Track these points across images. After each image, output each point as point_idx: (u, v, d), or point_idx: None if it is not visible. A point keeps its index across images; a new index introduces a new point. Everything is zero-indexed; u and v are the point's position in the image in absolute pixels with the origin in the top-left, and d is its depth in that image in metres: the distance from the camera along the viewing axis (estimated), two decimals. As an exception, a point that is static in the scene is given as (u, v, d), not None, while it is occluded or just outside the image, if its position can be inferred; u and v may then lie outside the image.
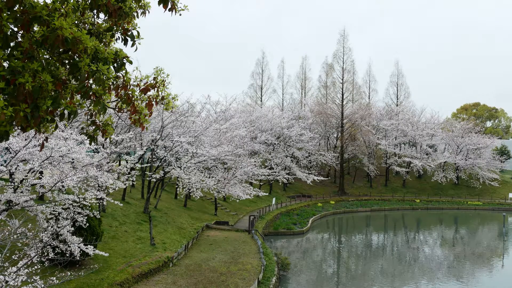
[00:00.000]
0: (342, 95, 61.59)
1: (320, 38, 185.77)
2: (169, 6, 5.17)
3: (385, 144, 63.92)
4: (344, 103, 61.61)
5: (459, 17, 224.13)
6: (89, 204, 17.04)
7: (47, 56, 4.65)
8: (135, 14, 5.17)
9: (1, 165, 14.72)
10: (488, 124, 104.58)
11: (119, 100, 5.34)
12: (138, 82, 5.44)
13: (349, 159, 65.86)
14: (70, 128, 19.78)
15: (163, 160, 31.06)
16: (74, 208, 16.01)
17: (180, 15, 5.42)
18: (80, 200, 15.86)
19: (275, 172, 49.14)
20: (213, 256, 23.61)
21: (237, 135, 39.33)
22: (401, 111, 69.00)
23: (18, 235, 11.78)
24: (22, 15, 4.26)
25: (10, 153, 15.15)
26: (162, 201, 34.64)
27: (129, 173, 25.48)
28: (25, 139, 14.93)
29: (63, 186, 15.61)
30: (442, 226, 46.91)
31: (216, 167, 36.23)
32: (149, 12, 5.34)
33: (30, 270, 10.76)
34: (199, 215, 35.61)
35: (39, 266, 12.15)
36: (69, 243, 15.09)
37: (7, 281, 9.37)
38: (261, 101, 72.37)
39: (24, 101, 4.27)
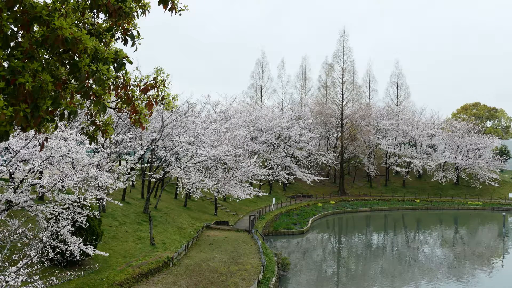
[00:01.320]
0: (342, 95, 61.60)
1: (320, 38, 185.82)
2: (169, 6, 5.17)
3: (385, 144, 63.93)
4: (344, 103, 61.62)
5: (459, 17, 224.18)
6: (89, 204, 17.04)
7: (47, 56, 4.65)
8: (135, 14, 5.18)
9: (1, 165, 14.72)
10: (488, 124, 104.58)
11: (119, 100, 5.34)
12: (138, 82, 5.44)
13: (349, 159, 65.86)
14: (70, 128, 19.78)
15: (163, 160, 31.05)
16: (74, 208, 16.01)
17: (180, 15, 5.42)
18: (80, 200, 15.86)
19: (275, 172, 49.15)
20: (213, 256, 23.61)
21: (237, 135, 39.33)
22: (401, 111, 69.02)
23: (18, 235, 11.78)
24: (22, 15, 4.26)
25: (10, 153, 15.15)
26: (162, 201, 34.64)
27: (129, 173, 25.47)
28: (25, 139, 14.93)
29: (63, 186, 15.61)
30: (442, 226, 46.91)
31: (216, 167, 36.23)
32: (149, 12, 5.34)
33: (30, 270, 10.76)
34: (199, 215, 35.61)
35: (39, 266, 12.15)
36: (69, 243, 15.09)
37: (7, 281, 9.37)
38: (261, 101, 72.36)
39: (24, 101, 4.27)
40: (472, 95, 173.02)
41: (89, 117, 5.39)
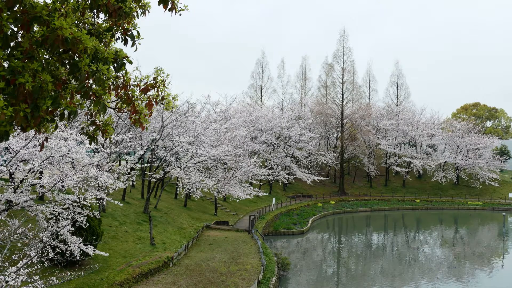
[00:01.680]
0: (342, 95, 61.61)
1: (320, 38, 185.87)
2: (169, 6, 5.17)
3: (385, 144, 63.92)
4: (344, 103, 61.62)
5: (459, 17, 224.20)
6: (89, 204, 17.04)
7: (47, 56, 4.65)
8: (135, 14, 5.18)
9: (1, 165, 14.72)
10: (488, 124, 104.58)
11: (119, 100, 5.35)
12: (138, 82, 5.44)
13: (349, 159, 65.86)
14: (70, 128, 19.78)
15: (163, 160, 31.06)
16: (74, 208, 16.01)
17: (180, 15, 5.42)
18: (80, 200, 15.86)
19: (275, 172, 49.14)
20: (213, 256, 23.60)
21: (237, 135, 39.33)
22: (401, 111, 69.02)
23: (18, 235, 11.78)
24: (22, 15, 4.26)
25: (10, 153, 15.15)
26: (162, 201, 34.63)
27: (129, 173, 25.47)
28: (25, 139, 14.93)
29: (63, 186, 15.61)
30: (442, 226, 46.92)
31: (216, 167, 36.23)
32: (149, 12, 5.34)
33: (30, 270, 10.76)
34: (199, 215, 35.60)
35: (39, 266, 12.15)
36: (69, 243, 15.09)
37: (7, 281, 9.37)
38: (261, 101, 72.37)
39: (24, 101, 4.27)
40: (472, 95, 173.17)
41: (89, 117, 5.39)
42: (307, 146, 56.98)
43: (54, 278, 11.01)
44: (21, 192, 15.15)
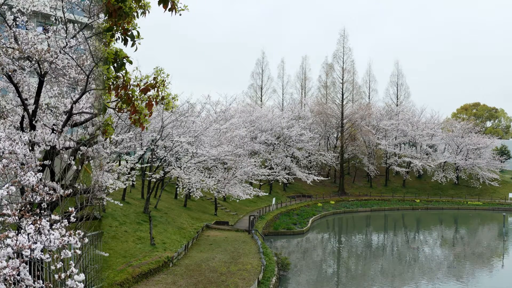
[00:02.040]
0: (342, 95, 61.64)
1: (320, 38, 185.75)
2: (169, 6, 5.18)
3: (385, 144, 63.94)
4: (344, 103, 61.66)
5: (459, 17, 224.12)
6: (89, 204, 17.04)
7: (47, 56, 4.65)
8: (135, 14, 5.18)
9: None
10: (488, 124, 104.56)
11: (119, 100, 5.35)
12: (138, 82, 5.45)
13: (349, 159, 65.87)
14: (70, 128, 19.77)
15: (163, 160, 31.06)
16: (74, 208, 16.00)
17: (180, 15, 5.43)
18: (80, 200, 15.85)
19: (275, 172, 49.15)
20: (213, 256, 23.61)
21: (237, 135, 39.34)
22: (401, 111, 69.03)
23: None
24: (22, 15, 4.26)
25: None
26: (162, 201, 34.64)
27: (129, 173, 25.46)
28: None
29: (63, 186, 15.60)
30: (442, 226, 46.93)
31: (216, 167, 36.24)
32: (149, 12, 5.35)
33: (30, 270, 10.76)
34: (199, 215, 35.61)
35: (39, 266, 12.15)
36: (69, 243, 15.07)
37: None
38: (261, 101, 72.40)
39: (24, 101, 4.27)
40: (472, 95, 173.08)
41: (89, 117, 5.40)
42: (307, 146, 57.00)
43: (54, 278, 11.00)
44: (21, 192, 15.15)
